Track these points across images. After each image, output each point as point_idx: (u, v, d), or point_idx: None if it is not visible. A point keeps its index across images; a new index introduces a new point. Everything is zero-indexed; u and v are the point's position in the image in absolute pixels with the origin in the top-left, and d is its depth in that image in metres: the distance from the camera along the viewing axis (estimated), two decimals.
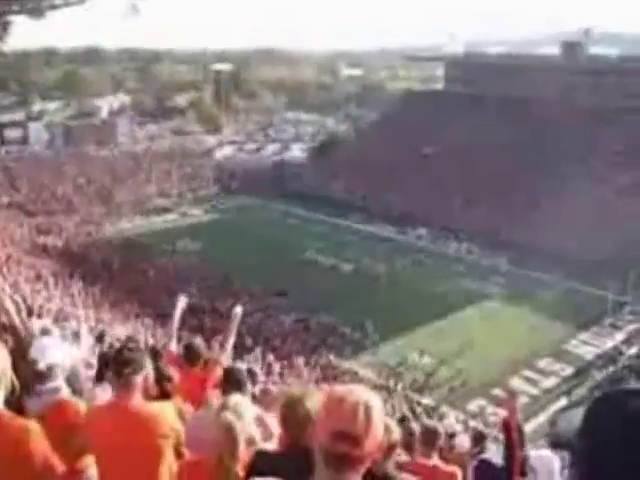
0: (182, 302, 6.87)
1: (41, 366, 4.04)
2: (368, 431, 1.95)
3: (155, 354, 6.80)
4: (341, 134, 79.40)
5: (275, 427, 4.34)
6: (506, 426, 4.91)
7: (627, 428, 1.29)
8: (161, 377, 5.24)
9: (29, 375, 3.96)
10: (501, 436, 7.38)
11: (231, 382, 4.93)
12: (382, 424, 2.02)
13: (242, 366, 6.36)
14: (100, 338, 13.02)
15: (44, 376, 4.02)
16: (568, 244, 38.51)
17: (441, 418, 21.57)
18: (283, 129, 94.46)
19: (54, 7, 19.65)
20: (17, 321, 6.35)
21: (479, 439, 7.70)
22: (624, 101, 52.54)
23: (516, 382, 26.59)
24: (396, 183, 55.06)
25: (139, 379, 3.72)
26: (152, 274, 40.59)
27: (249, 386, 5.41)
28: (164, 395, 5.04)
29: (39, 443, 3.19)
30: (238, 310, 6.73)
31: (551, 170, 48.86)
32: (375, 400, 2.04)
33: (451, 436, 8.51)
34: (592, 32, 64.30)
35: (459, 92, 66.54)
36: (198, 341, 6.73)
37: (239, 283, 37.99)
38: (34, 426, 3.22)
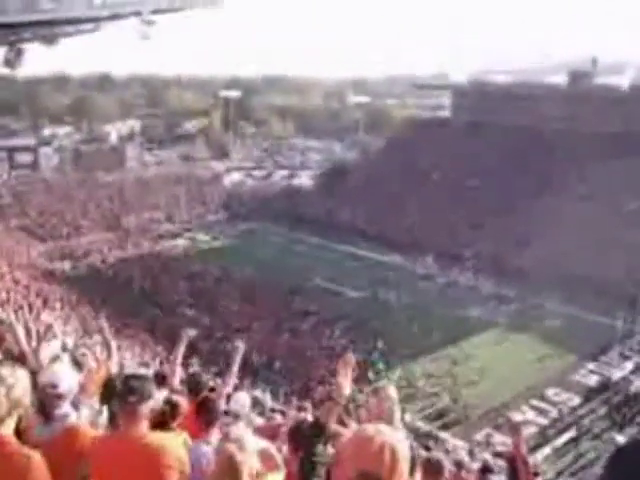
0: (186, 337, 6.77)
1: (61, 390, 4.03)
2: (393, 474, 1.93)
3: (162, 380, 6.75)
4: (349, 161, 79.64)
5: (280, 459, 4.32)
6: (512, 460, 4.83)
7: None
8: (166, 402, 5.20)
9: (45, 400, 3.95)
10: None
11: (205, 412, 4.87)
12: (407, 466, 1.99)
13: (246, 396, 6.29)
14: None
15: (62, 400, 4.02)
16: (575, 272, 38.35)
17: (447, 447, 21.39)
18: (291, 155, 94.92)
19: (67, 35, 19.88)
20: (27, 348, 6.39)
21: (485, 471, 7.56)
22: (629, 129, 52.64)
23: (524, 411, 26.39)
24: (403, 210, 55.19)
25: (146, 408, 3.70)
26: (161, 300, 40.61)
27: (255, 416, 5.39)
28: (163, 423, 4.97)
29: (40, 474, 3.17)
30: (240, 344, 6.72)
31: (557, 197, 48.86)
32: (402, 442, 2.01)
33: (458, 466, 8.34)
34: (599, 61, 64.56)
35: (465, 120, 66.86)
36: (201, 371, 6.71)
37: (250, 309, 38.14)
38: (36, 456, 3.20)
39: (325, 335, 34.65)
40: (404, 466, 1.97)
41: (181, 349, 6.84)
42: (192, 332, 6.80)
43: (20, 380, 3.13)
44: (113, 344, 7.55)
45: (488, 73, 71.29)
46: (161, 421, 5.05)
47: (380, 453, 1.92)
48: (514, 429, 5.09)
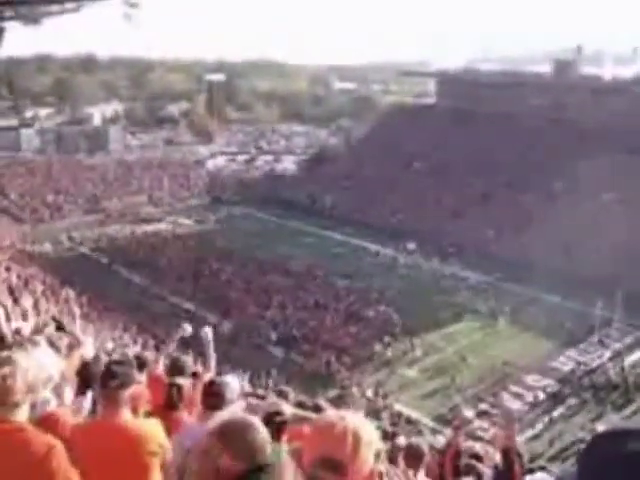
0: (183, 332, 6.64)
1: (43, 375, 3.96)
2: (354, 459, 1.85)
3: (141, 364, 6.70)
4: (333, 147, 79.46)
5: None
6: (506, 452, 4.65)
7: (628, 473, 1.16)
8: (171, 385, 5.33)
9: None
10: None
11: (212, 396, 4.84)
12: (372, 453, 1.91)
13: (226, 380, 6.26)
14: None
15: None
16: (557, 260, 38.61)
17: (429, 433, 21.54)
18: (275, 140, 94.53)
19: (50, 14, 19.57)
20: (5, 330, 6.33)
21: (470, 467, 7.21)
22: (611, 119, 52.84)
23: (503, 397, 26.61)
24: (386, 197, 55.24)
25: (127, 393, 3.67)
26: (143, 284, 40.44)
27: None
28: (172, 405, 5.16)
29: (62, 461, 3.10)
30: (207, 330, 6.62)
31: (540, 186, 49.11)
32: (366, 428, 1.94)
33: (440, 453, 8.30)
34: (584, 50, 64.72)
35: (450, 107, 66.84)
36: (184, 356, 6.65)
37: (233, 293, 38.13)
38: (58, 443, 3.13)
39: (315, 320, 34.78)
40: (368, 451, 1.89)
41: (173, 345, 6.80)
42: (188, 329, 6.68)
43: (33, 363, 3.07)
44: (79, 335, 7.48)
45: (473, 61, 71.31)
46: (170, 404, 5.20)
47: (342, 438, 1.85)
48: (508, 418, 4.88)
